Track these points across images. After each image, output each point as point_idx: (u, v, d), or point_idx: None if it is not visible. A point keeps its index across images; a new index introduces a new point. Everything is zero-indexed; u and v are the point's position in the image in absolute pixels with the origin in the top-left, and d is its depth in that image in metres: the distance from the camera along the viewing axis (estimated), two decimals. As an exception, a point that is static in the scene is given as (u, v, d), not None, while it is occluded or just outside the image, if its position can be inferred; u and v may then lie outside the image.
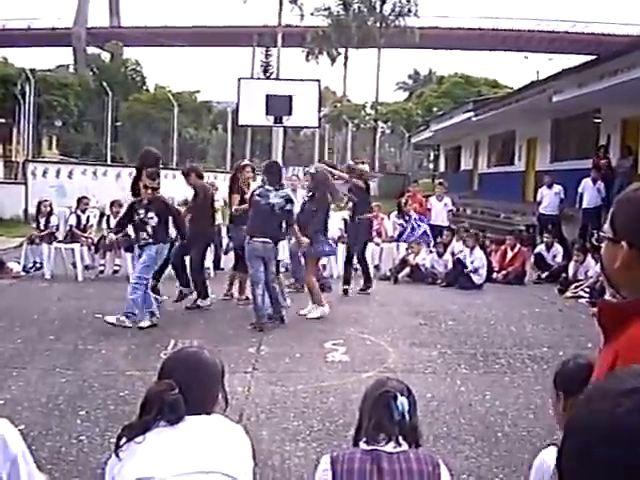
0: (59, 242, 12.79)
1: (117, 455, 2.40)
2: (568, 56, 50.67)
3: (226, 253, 11.73)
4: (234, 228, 10.23)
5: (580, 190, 15.86)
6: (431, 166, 58.97)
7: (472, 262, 12.50)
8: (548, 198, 16.91)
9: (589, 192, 15.72)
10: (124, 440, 2.40)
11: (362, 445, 2.65)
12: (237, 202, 10.18)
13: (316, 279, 9.92)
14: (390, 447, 2.60)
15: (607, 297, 1.70)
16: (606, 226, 1.71)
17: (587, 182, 15.86)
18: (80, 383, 6.16)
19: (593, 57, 18.73)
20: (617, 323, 1.61)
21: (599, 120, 20.46)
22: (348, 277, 11.45)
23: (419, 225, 14.27)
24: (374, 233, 12.87)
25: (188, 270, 9.84)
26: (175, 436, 2.40)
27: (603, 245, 1.72)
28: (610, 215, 1.70)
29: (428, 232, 14.30)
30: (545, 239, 14.17)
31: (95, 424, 5.15)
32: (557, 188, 16.85)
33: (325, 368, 6.90)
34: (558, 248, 13.73)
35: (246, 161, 12.22)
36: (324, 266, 12.30)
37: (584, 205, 15.75)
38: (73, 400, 5.68)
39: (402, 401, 2.68)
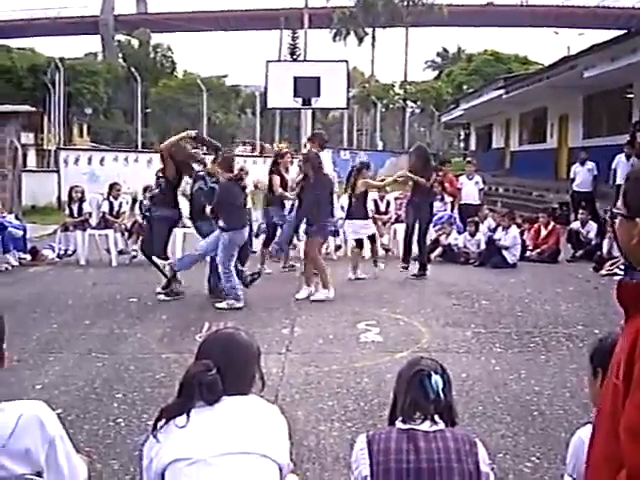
0: (93, 228, 12.92)
1: (155, 437, 2.42)
2: (599, 31, 49.98)
3: (257, 236, 11.76)
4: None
5: (614, 166, 15.64)
6: (462, 145, 58.54)
7: (505, 241, 12.40)
8: (581, 175, 16.74)
9: (623, 168, 15.47)
10: (162, 422, 2.42)
11: (398, 424, 2.65)
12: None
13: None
14: (426, 426, 2.59)
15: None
16: (619, 203, 1.67)
17: (621, 158, 15.64)
18: (116, 367, 6.23)
19: (624, 31, 18.43)
20: (637, 301, 1.58)
21: (631, 95, 20.15)
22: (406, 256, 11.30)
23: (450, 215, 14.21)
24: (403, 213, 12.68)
25: None
26: (213, 417, 2.42)
27: (617, 222, 1.69)
28: (623, 192, 1.67)
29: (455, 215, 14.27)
30: (580, 215, 14.00)
31: (132, 407, 5.20)
32: (590, 165, 16.66)
33: (358, 349, 6.90)
34: (592, 225, 13.56)
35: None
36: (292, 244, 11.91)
37: (618, 181, 15.48)
38: (109, 383, 5.75)
39: (436, 379, 2.67)
